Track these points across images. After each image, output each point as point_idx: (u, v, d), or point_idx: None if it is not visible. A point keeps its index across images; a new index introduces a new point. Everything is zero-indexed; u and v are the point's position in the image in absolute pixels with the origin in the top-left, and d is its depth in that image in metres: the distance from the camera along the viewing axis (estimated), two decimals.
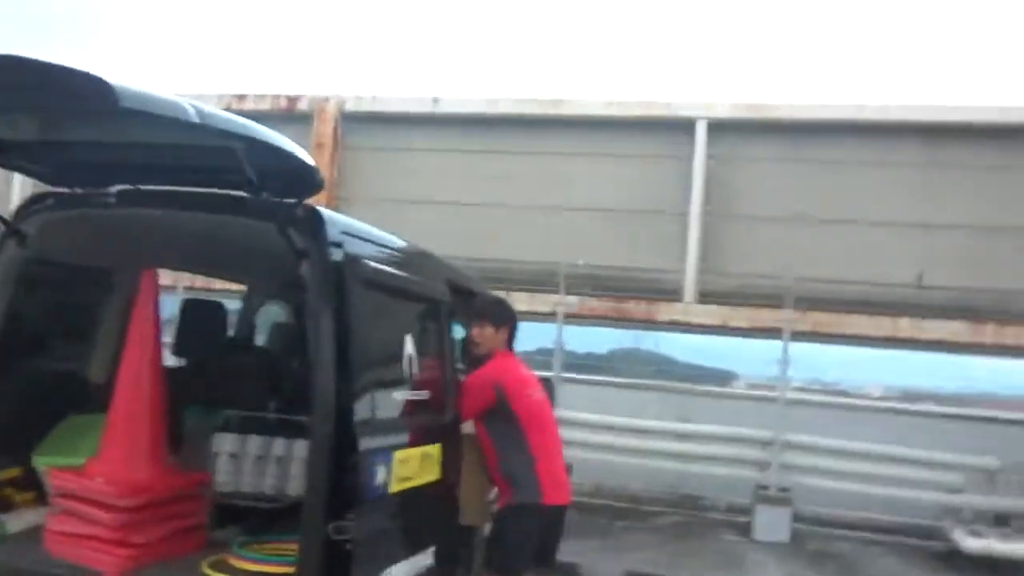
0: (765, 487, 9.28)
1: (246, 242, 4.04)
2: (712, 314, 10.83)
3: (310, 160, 3.39)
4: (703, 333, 11.09)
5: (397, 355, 3.76)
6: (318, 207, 3.51)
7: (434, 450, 3.97)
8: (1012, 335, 9.90)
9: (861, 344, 10.64)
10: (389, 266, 3.81)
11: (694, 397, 10.89)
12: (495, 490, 4.60)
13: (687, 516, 9.72)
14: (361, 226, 3.80)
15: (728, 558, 8.05)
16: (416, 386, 3.87)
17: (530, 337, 11.60)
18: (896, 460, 9.39)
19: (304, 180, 3.43)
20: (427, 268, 4.38)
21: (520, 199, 11.45)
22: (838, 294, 10.45)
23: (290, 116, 12.18)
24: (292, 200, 3.43)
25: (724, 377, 14.29)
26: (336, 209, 11.98)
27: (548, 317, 10.40)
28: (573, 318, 10.79)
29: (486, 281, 11.03)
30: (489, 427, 4.45)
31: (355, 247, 3.52)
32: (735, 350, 12.42)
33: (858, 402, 11.90)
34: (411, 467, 3.70)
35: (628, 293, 11.02)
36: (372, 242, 3.78)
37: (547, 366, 10.02)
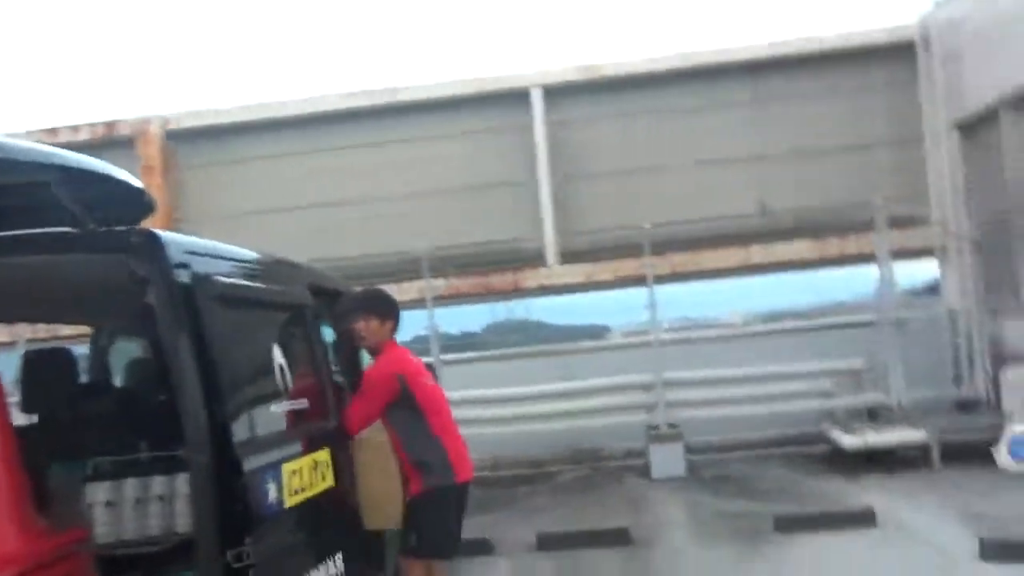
0: (655, 427, 9.57)
1: (81, 279, 3.79)
2: (576, 272, 11.06)
3: (136, 181, 3.21)
4: (571, 292, 11.30)
5: (267, 367, 3.63)
6: (155, 230, 3.33)
7: (323, 456, 3.87)
8: (854, 245, 10.54)
9: (719, 277, 11.10)
10: (243, 279, 3.66)
11: (574, 356, 11.06)
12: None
13: (588, 469, 9.92)
14: (205, 243, 3.63)
15: (632, 500, 8.27)
16: (293, 395, 3.76)
17: (403, 327, 11.53)
18: (770, 378, 9.87)
19: (133, 204, 3.26)
20: (284, 275, 4.24)
21: (367, 192, 11.32)
22: (690, 234, 10.86)
23: (111, 143, 11.56)
24: (124, 227, 3.24)
25: (598, 332, 14.53)
26: (176, 232, 11.67)
27: (418, 304, 10.32)
28: (442, 300, 10.78)
29: (349, 279, 10.92)
30: (393, 418, 4.45)
31: (202, 265, 3.36)
32: (603, 305, 12.63)
33: (725, 331, 12.41)
34: (303, 478, 3.59)
35: (492, 266, 11.09)
36: (220, 257, 3.62)
37: (425, 352, 9.96)
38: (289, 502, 3.42)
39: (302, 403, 3.85)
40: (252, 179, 11.62)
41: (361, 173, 11.39)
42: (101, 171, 3.02)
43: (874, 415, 9.46)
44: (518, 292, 11.26)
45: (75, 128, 11.70)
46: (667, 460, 9.23)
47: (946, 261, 10.54)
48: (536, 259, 11.11)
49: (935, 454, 8.59)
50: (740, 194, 10.97)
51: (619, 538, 6.76)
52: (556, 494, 8.90)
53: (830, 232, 10.71)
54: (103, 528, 4.01)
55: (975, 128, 9.71)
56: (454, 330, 12.43)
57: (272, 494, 3.30)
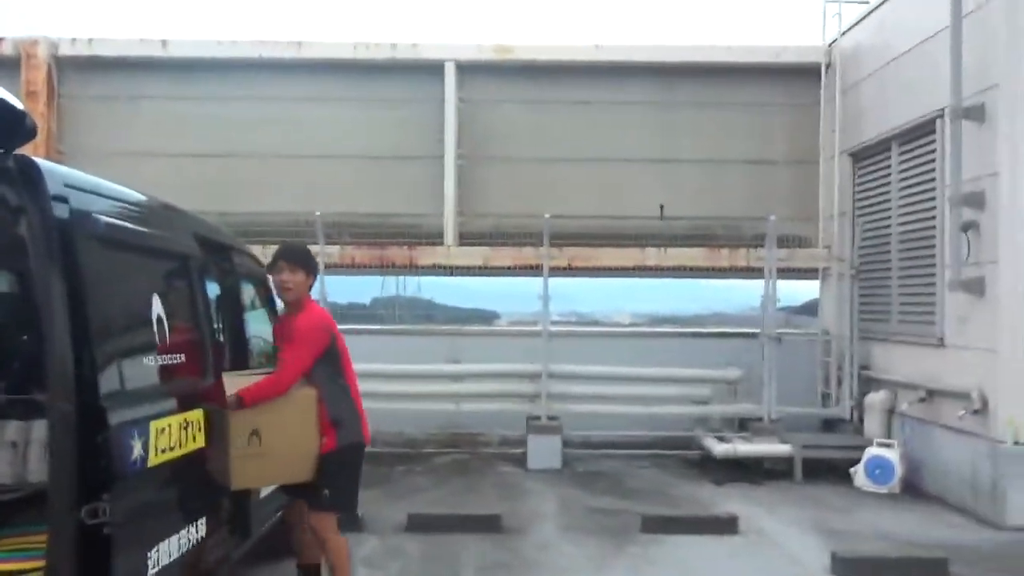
0: (536, 417, 9.60)
1: None
2: (473, 255, 10.98)
3: (16, 102, 2.94)
4: (466, 274, 11.20)
5: (143, 318, 3.41)
6: (34, 158, 3.07)
7: (195, 416, 3.68)
8: (743, 258, 10.84)
9: (613, 275, 11.21)
10: (126, 221, 3.42)
11: (462, 338, 10.98)
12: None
13: (465, 454, 9.89)
14: (89, 179, 3.38)
15: (505, 489, 8.27)
16: (169, 349, 3.54)
17: None
18: (651, 379, 10.04)
19: (10, 127, 2.98)
20: (171, 223, 4.00)
21: (265, 148, 10.93)
22: (590, 229, 10.94)
23: None
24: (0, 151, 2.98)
25: (487, 317, 14.51)
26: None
27: None
28: (335, 268, 10.52)
29: (239, 236, 10.51)
30: (315, 373, 4.47)
31: (83, 201, 3.13)
32: (494, 291, 12.61)
33: (612, 330, 12.58)
34: (171, 437, 3.40)
35: (389, 239, 10.89)
36: (104, 196, 3.38)
37: None
38: (153, 461, 3.23)
39: (178, 358, 3.64)
40: (143, 119, 11.04)
41: (259, 127, 10.97)
42: None
43: (745, 425, 9.76)
44: (413, 268, 11.10)
45: None
46: (544, 451, 9.28)
47: (827, 283, 10.96)
48: (434, 236, 10.97)
49: (798, 468, 8.92)
50: (642, 195, 11.10)
51: (490, 525, 6.74)
52: (432, 475, 8.82)
53: (722, 243, 10.99)
54: None
55: (866, 157, 10.11)
56: (342, 300, 12.14)
57: (136, 451, 3.10)
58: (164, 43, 10.98)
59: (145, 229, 3.57)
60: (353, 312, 13.45)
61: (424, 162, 11.09)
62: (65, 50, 11.01)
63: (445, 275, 11.08)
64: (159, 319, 3.50)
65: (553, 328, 10.25)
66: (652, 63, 11.13)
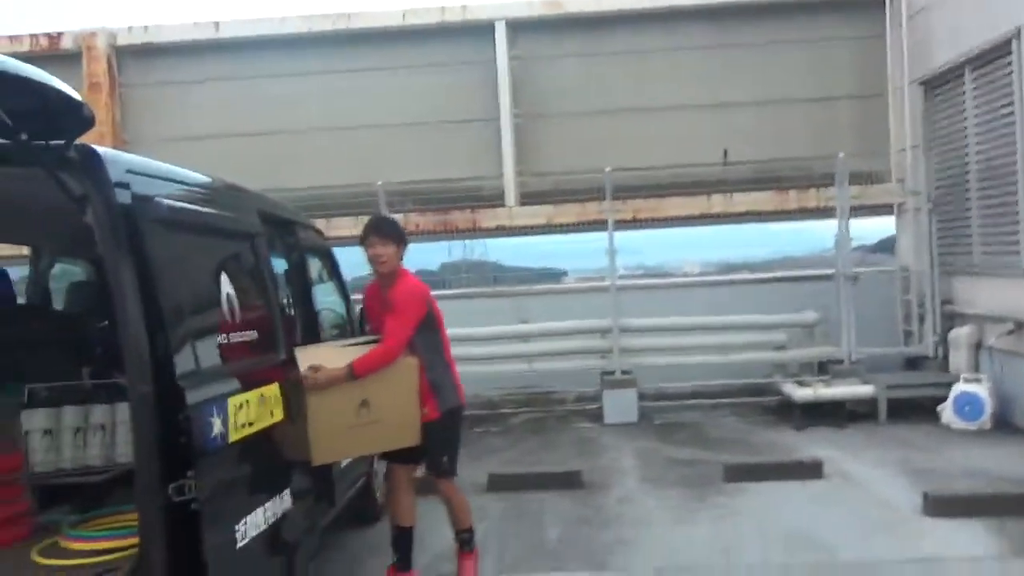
0: (610, 373, 9.56)
1: (14, 196, 3.56)
2: (536, 214, 10.91)
3: (73, 93, 2.97)
4: (530, 234, 11.15)
5: (213, 297, 3.44)
6: (96, 146, 3.10)
7: (271, 391, 3.72)
8: (813, 199, 10.54)
9: (679, 225, 11.03)
10: (189, 203, 3.45)
11: (531, 298, 10.93)
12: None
13: (540, 412, 9.92)
14: (151, 163, 3.41)
15: (583, 445, 8.28)
16: (240, 327, 3.58)
17: (355, 263, 11.30)
18: (725, 328, 9.89)
19: (70, 117, 3.01)
20: (235, 201, 4.02)
21: (324, 122, 10.99)
22: (653, 180, 10.75)
23: (54, 57, 11.02)
24: (62, 142, 3.01)
25: (555, 275, 14.44)
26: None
27: None
28: None
29: (303, 211, 10.63)
30: (415, 341, 4.59)
31: (145, 186, 3.15)
32: (561, 250, 12.51)
33: (681, 280, 12.39)
34: (249, 412, 3.44)
35: (450, 205, 10.88)
36: (165, 179, 3.40)
37: None
38: (234, 436, 3.27)
39: (250, 334, 3.68)
40: (203, 102, 11.20)
41: (315, 102, 11.04)
42: (34, 78, 2.76)
43: (825, 369, 9.55)
44: (476, 231, 11.08)
45: (15, 38, 11.11)
46: (620, 406, 9.24)
47: (903, 219, 10.60)
48: (496, 199, 10.93)
49: (882, 409, 8.72)
50: (703, 142, 10.86)
51: (570, 481, 6.76)
52: (509, 435, 8.88)
53: (790, 184, 10.69)
54: (41, 456, 3.84)
55: (938, 85, 9.68)
56: (411, 267, 12.23)
57: (216, 427, 3.14)
58: (216, 25, 11.08)
59: (209, 209, 3.60)
60: (423, 279, 13.54)
61: (481, 124, 11.02)
62: (123, 40, 11.20)
63: (508, 236, 11.04)
64: (228, 297, 3.53)
65: (621, 282, 10.16)
66: (707, 5, 10.83)
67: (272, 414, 3.69)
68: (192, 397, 3.00)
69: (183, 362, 3.04)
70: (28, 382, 4.02)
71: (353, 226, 10.37)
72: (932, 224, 9.55)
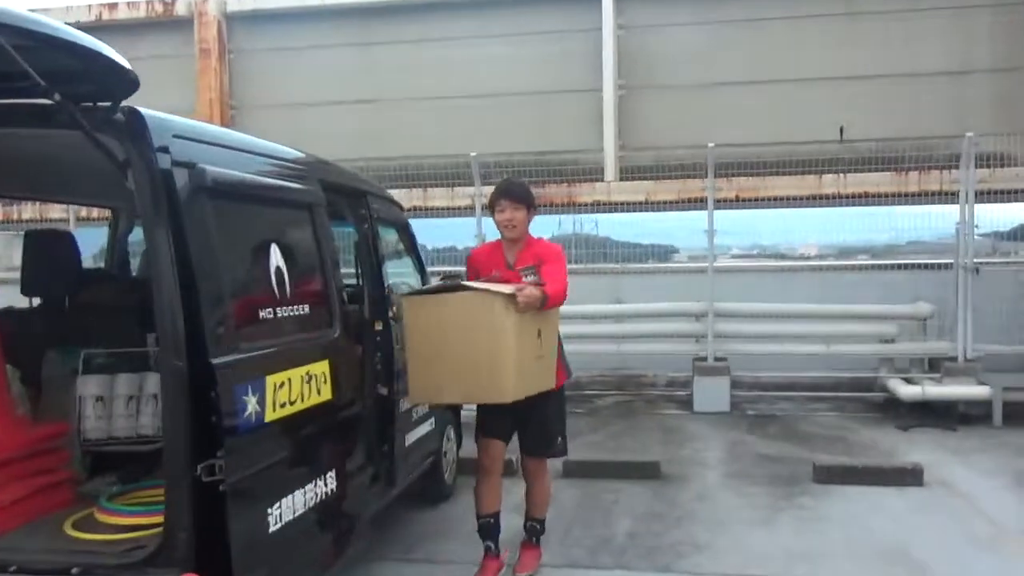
0: (703, 358, 9.17)
1: (73, 158, 3.53)
2: (636, 190, 10.55)
3: (119, 57, 2.89)
4: (628, 211, 10.78)
5: (261, 270, 3.33)
6: (141, 109, 3.01)
7: (320, 368, 3.60)
8: (936, 181, 9.81)
9: (787, 205, 10.45)
10: (239, 170, 3.33)
11: (632, 277, 10.55)
12: None
13: (629, 396, 9.63)
14: (202, 127, 3.32)
15: (668, 433, 7.97)
16: (289, 301, 3.46)
17: (456, 234, 11.21)
18: (828, 317, 9.33)
19: (118, 80, 2.94)
20: (293, 170, 3.90)
21: (424, 90, 10.91)
22: (761, 156, 10.21)
23: (168, 22, 11.33)
24: (106, 104, 2.94)
25: (666, 252, 13.93)
26: (232, 120, 11.46)
27: (469, 212, 9.97)
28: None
29: (399, 179, 10.61)
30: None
31: (190, 151, 3.05)
32: (673, 225, 12.00)
33: (788, 264, 11.77)
34: (291, 391, 3.33)
35: (548, 179, 10.62)
36: (216, 144, 3.30)
37: None
38: (271, 416, 3.17)
39: (300, 309, 3.56)
40: (309, 69, 11.31)
41: (414, 70, 10.98)
42: (83, 44, 2.70)
43: (936, 366, 8.89)
44: (573, 206, 10.80)
45: (132, 4, 11.43)
46: (711, 394, 8.86)
47: None
48: (594, 173, 10.61)
49: (998, 412, 8.07)
50: (819, 117, 10.28)
51: (649, 471, 6.48)
52: (594, 418, 8.64)
53: (912, 165, 9.95)
54: (92, 423, 3.85)
55: None
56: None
57: (251, 407, 3.04)
58: None
59: (261, 178, 3.48)
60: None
61: (582, 96, 10.73)
62: (233, 6, 11.37)
63: (606, 212, 10.69)
64: (278, 270, 3.41)
65: (722, 264, 9.71)
66: None
67: (319, 392, 3.58)
68: (224, 375, 2.90)
69: (218, 338, 2.93)
70: (92, 347, 4.03)
71: (448, 197, 10.31)
72: None
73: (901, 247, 13.33)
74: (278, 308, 3.38)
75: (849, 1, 10.31)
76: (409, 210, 10.16)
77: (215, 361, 2.88)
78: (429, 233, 10.73)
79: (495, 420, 4.52)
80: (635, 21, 10.62)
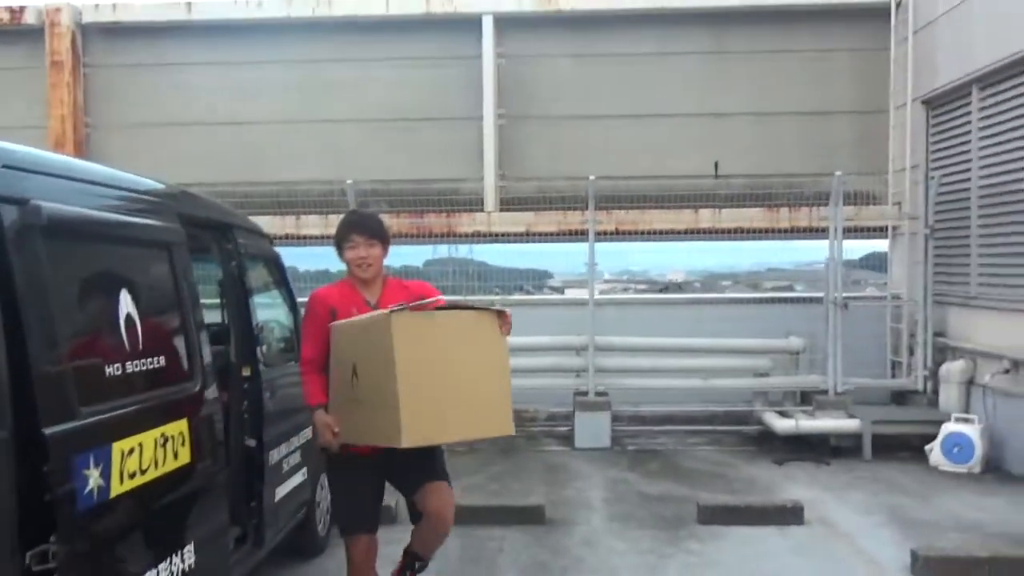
0: (583, 393, 9.05)
1: None
2: (516, 221, 10.40)
3: None
4: (509, 242, 10.62)
5: (105, 319, 2.92)
6: None
7: (177, 428, 3.20)
8: (805, 217, 10.08)
9: (665, 239, 10.51)
10: (87, 206, 2.92)
11: (511, 307, 10.35)
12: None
13: None
14: (40, 156, 2.88)
15: (552, 471, 7.79)
16: (142, 353, 3.05)
17: (328, 262, 10.75)
18: (707, 351, 9.39)
19: None
20: (150, 203, 3.49)
21: (297, 113, 10.45)
22: (639, 190, 10.25)
23: (15, 31, 10.45)
24: None
25: (540, 277, 13.84)
26: (87, 139, 10.66)
27: None
28: None
29: (270, 206, 10.10)
30: None
31: (22, 185, 2.62)
32: (546, 250, 11.90)
33: (664, 297, 11.89)
34: (143, 458, 2.92)
35: (426, 208, 10.34)
36: (58, 176, 2.87)
37: None
38: (118, 489, 2.75)
39: (155, 362, 3.16)
40: (172, 87, 10.63)
41: (289, 91, 10.49)
42: None
43: (808, 398, 9.08)
44: (452, 236, 10.54)
45: None
46: (592, 429, 8.74)
47: (897, 242, 10.16)
48: (474, 203, 10.40)
49: (867, 445, 8.27)
50: (694, 153, 10.40)
51: (532, 516, 6.25)
52: (474, 457, 8.34)
53: (782, 201, 10.21)
54: None
55: (942, 104, 9.25)
56: (395, 263, 11.67)
57: (93, 480, 2.62)
58: (189, 5, 10.51)
59: (111, 215, 3.06)
60: (409, 275, 12.99)
61: (462, 124, 10.51)
62: (89, 16, 10.63)
63: (485, 243, 10.49)
64: (128, 319, 3.00)
65: (601, 296, 9.67)
66: (703, 8, 10.36)
67: (176, 456, 3.18)
68: (58, 446, 2.49)
69: (51, 401, 2.51)
70: None
71: (323, 225, 9.88)
72: (929, 250, 9.10)
73: (762, 273, 13.77)
74: (128, 362, 2.96)
75: (718, 39, 10.53)
76: (281, 238, 9.77)
77: (48, 431, 2.46)
78: (301, 258, 10.30)
79: (360, 496, 3.93)
80: (515, 50, 10.51)
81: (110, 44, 10.68)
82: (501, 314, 3.74)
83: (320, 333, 3.91)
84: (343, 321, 3.83)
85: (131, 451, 2.85)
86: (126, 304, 3.02)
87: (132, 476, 2.84)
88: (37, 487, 2.44)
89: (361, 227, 3.97)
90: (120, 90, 10.69)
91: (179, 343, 3.40)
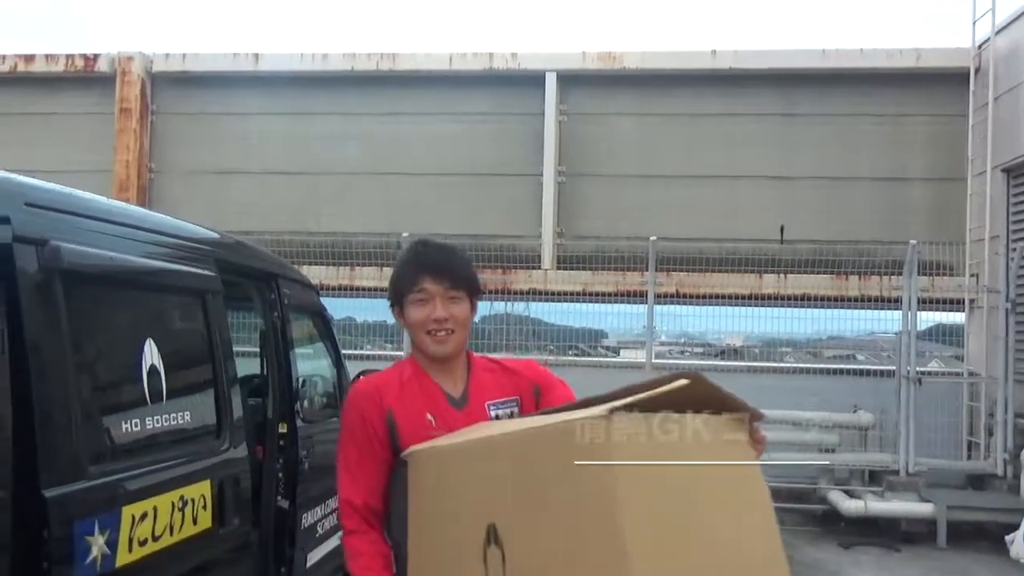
0: None
1: None
2: (573, 280, 10.14)
3: None
4: (564, 301, 10.36)
5: (128, 371, 2.73)
6: None
7: (199, 490, 2.97)
8: (875, 286, 9.65)
9: (727, 303, 10.14)
10: (114, 249, 2.75)
11: (565, 368, 10.08)
12: None
13: None
14: (68, 194, 2.73)
15: None
16: (164, 409, 2.85)
17: (381, 311, 10.64)
18: (768, 422, 8.92)
19: None
20: (186, 249, 3.32)
21: (356, 165, 10.44)
22: (701, 252, 9.94)
23: (88, 78, 10.69)
24: None
25: (595, 336, 13.54)
26: (150, 183, 10.79)
27: None
28: None
29: (325, 256, 10.03)
30: None
31: (43, 224, 2.47)
32: (600, 309, 11.65)
33: (724, 364, 11.44)
34: (157, 523, 2.69)
35: (482, 264, 10.15)
36: (85, 215, 2.72)
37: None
38: (126, 558, 2.52)
39: (178, 418, 2.95)
40: (236, 136, 10.75)
41: (349, 143, 10.51)
42: None
43: (877, 478, 8.54)
44: (508, 294, 10.31)
45: (51, 57, 10.79)
46: None
47: (974, 316, 9.62)
48: (531, 260, 10.20)
49: (942, 532, 7.71)
50: (759, 215, 10.07)
51: None
52: None
53: (850, 269, 9.79)
54: None
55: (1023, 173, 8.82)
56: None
57: (98, 548, 2.40)
58: (256, 57, 10.65)
59: (140, 259, 2.89)
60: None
61: (521, 180, 10.37)
62: (159, 66, 10.83)
63: (540, 301, 10.24)
64: (152, 370, 2.81)
65: (659, 361, 9.30)
66: (773, 70, 10.10)
67: (196, 521, 2.94)
68: (59, 509, 2.28)
69: (54, 461, 2.31)
70: None
71: (378, 277, 9.76)
72: (1010, 325, 8.57)
73: (823, 341, 13.24)
74: (147, 419, 2.76)
75: (787, 102, 10.28)
76: (335, 289, 9.68)
77: (49, 492, 2.26)
78: (358, 309, 10.20)
79: None
80: (578, 108, 10.40)
81: (178, 92, 10.85)
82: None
83: (371, 457, 2.24)
84: (450, 440, 2.12)
85: (143, 516, 2.63)
86: (151, 355, 2.83)
87: (143, 543, 2.61)
88: (35, 555, 2.24)
89: (437, 269, 2.29)
90: (185, 137, 10.82)
91: (207, 398, 3.20)
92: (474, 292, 2.36)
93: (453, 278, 2.30)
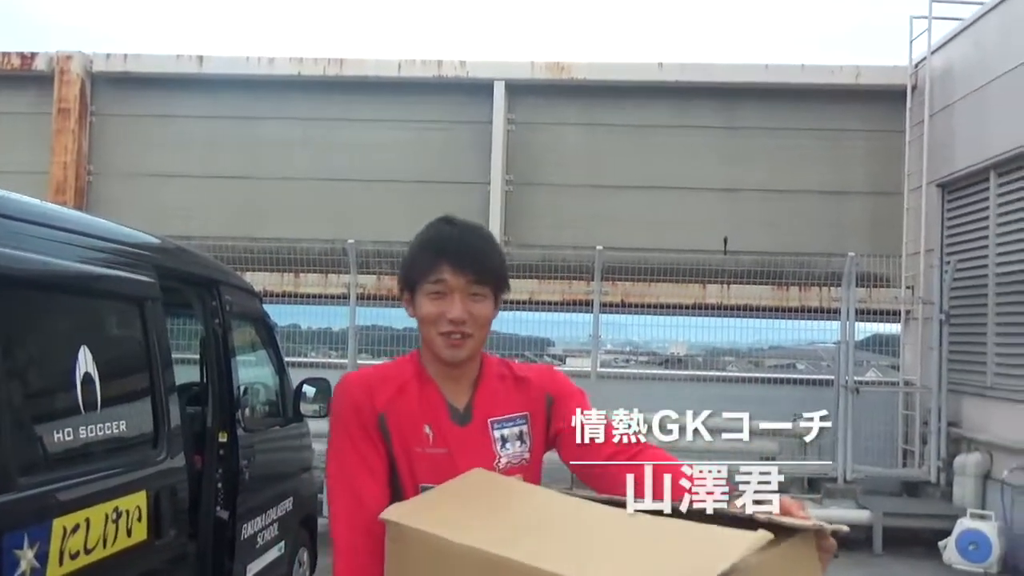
0: None
1: None
2: (519, 289, 10.13)
3: None
4: (511, 310, 10.37)
5: (60, 379, 2.65)
6: None
7: (134, 501, 2.90)
8: (815, 297, 9.85)
9: (670, 313, 10.27)
10: (47, 254, 2.68)
11: None
12: None
13: None
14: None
15: None
16: (98, 418, 2.78)
17: (327, 321, 10.57)
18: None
19: None
20: (124, 254, 3.24)
21: (302, 171, 10.33)
22: (646, 262, 10.03)
23: (25, 77, 10.40)
24: None
25: (542, 344, 13.61)
26: (88, 186, 10.54)
27: (343, 300, 9.35)
28: (370, 300, 9.79)
29: (269, 263, 9.90)
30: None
31: None
32: (546, 317, 11.75)
33: (668, 372, 11.58)
34: (89, 535, 2.62)
35: None
36: (19, 219, 2.64)
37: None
38: (56, 572, 2.45)
39: (114, 428, 2.88)
40: (175, 139, 10.55)
41: (295, 148, 10.40)
42: None
43: (815, 485, 8.70)
44: None
45: None
46: None
47: (909, 327, 9.88)
48: None
49: (878, 538, 7.88)
50: (704, 227, 10.21)
51: None
52: None
53: (792, 281, 9.98)
54: None
55: (959, 188, 9.08)
56: (398, 324, 11.46)
57: (26, 562, 2.33)
58: (200, 59, 10.49)
59: (74, 264, 2.82)
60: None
61: (469, 188, 10.37)
62: (99, 66, 10.60)
63: None
64: (86, 378, 2.74)
65: (604, 369, 9.37)
66: (719, 84, 10.26)
67: (131, 533, 2.87)
68: None
69: None
70: None
71: (322, 284, 9.67)
72: (943, 337, 8.80)
73: (764, 351, 13.50)
74: (81, 428, 2.69)
75: (731, 115, 10.45)
76: (279, 296, 9.57)
77: None
78: (304, 315, 10.13)
79: None
80: (526, 117, 10.44)
81: (118, 94, 10.63)
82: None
83: (371, 466, 1.89)
84: (443, 517, 1.64)
85: (76, 528, 2.56)
86: (85, 362, 2.75)
87: (75, 556, 2.54)
88: None
89: (461, 259, 1.94)
90: (125, 139, 10.60)
91: (144, 406, 3.12)
92: (500, 289, 2.03)
93: (478, 271, 1.94)
